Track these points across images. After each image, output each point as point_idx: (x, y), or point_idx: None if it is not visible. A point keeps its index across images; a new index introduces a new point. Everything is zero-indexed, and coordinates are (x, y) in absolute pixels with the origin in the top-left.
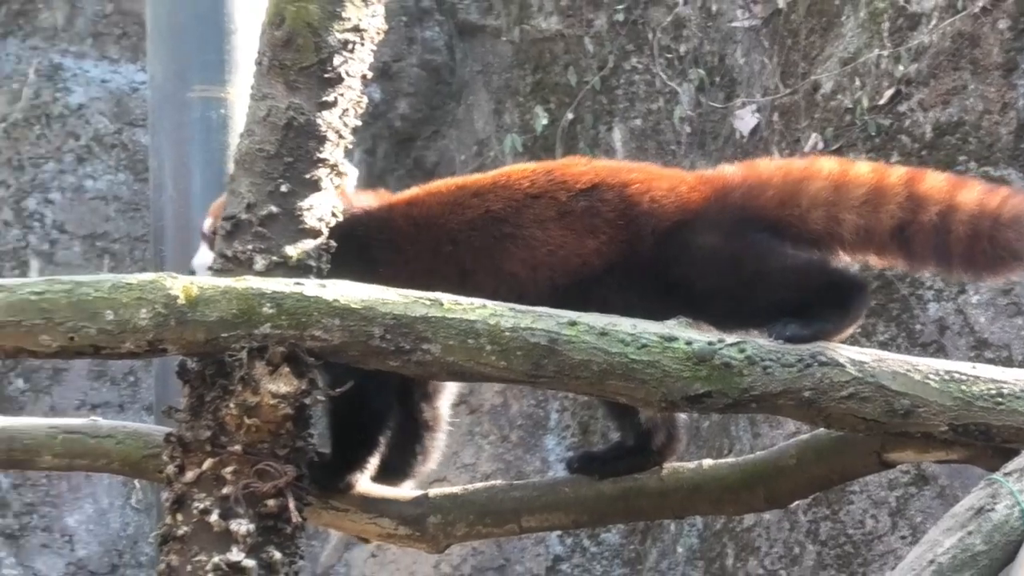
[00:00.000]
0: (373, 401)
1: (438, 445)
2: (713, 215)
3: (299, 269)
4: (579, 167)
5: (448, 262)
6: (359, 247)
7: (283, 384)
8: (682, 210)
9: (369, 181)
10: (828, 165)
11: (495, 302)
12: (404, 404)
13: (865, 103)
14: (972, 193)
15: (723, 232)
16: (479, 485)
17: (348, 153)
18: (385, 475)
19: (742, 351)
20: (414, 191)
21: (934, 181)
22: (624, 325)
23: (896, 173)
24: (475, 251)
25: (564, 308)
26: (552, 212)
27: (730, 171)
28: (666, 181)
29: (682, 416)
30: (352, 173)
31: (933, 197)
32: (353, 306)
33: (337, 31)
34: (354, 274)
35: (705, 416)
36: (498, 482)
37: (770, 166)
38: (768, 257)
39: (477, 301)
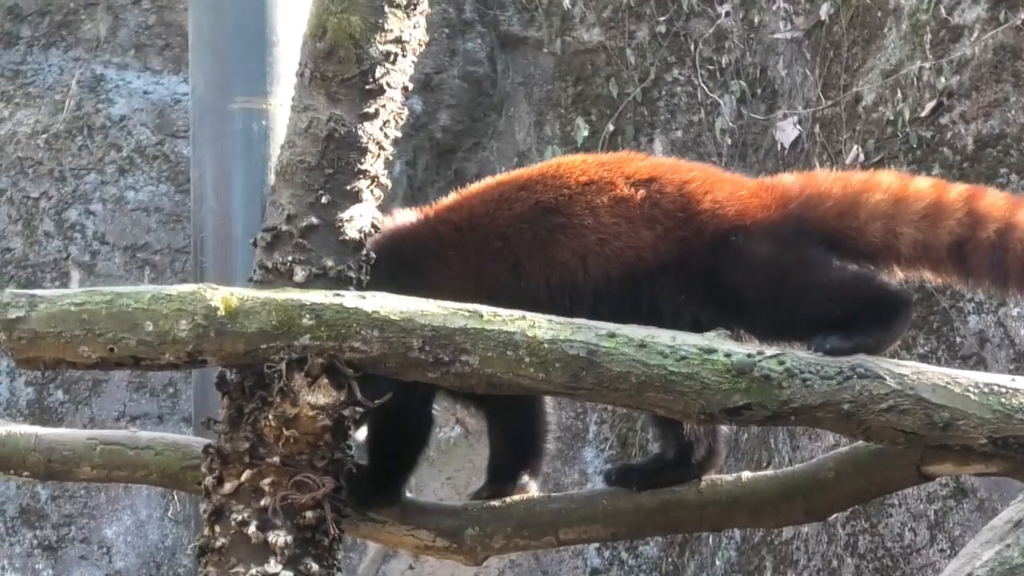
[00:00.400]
0: (413, 415)
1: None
2: (771, 224)
3: (339, 280)
4: (637, 160)
5: (497, 259)
6: (404, 263)
7: (322, 396)
8: (741, 215)
9: (410, 193)
10: (888, 179)
11: (534, 313)
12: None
13: (907, 115)
14: None
15: (779, 241)
16: (517, 497)
17: (389, 165)
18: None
19: (781, 363)
20: (452, 197)
21: (994, 199)
22: (663, 337)
23: (956, 189)
24: (526, 244)
25: (616, 308)
26: (606, 199)
27: (789, 181)
28: (727, 184)
29: (724, 430)
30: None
31: (992, 215)
32: (392, 318)
33: (379, 43)
34: (403, 291)
35: (744, 428)
36: (536, 494)
37: (829, 177)
38: (817, 269)
39: (516, 313)
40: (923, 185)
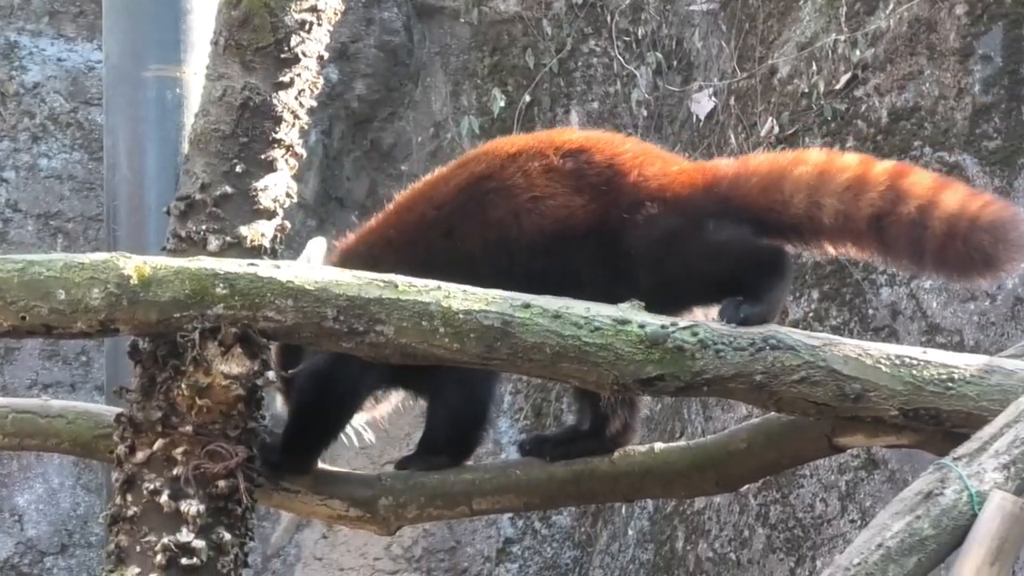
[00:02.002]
0: (349, 393)
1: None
2: (689, 199)
3: (253, 250)
4: (569, 133)
5: (433, 226)
6: (360, 257)
7: (235, 365)
8: (662, 189)
9: (325, 162)
10: (815, 154)
11: (450, 284)
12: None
13: (821, 88)
14: (955, 195)
15: (690, 216)
16: None
17: (304, 134)
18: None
19: (695, 334)
20: (397, 196)
21: (920, 178)
22: (578, 308)
23: (882, 165)
24: (460, 209)
25: (551, 267)
26: (536, 164)
27: (725, 164)
28: (660, 162)
29: (642, 409)
30: (319, 249)
31: (915, 192)
32: (307, 287)
33: (294, 11)
34: None
35: (657, 399)
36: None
37: (760, 157)
38: (709, 237)
39: (432, 283)
40: (850, 160)
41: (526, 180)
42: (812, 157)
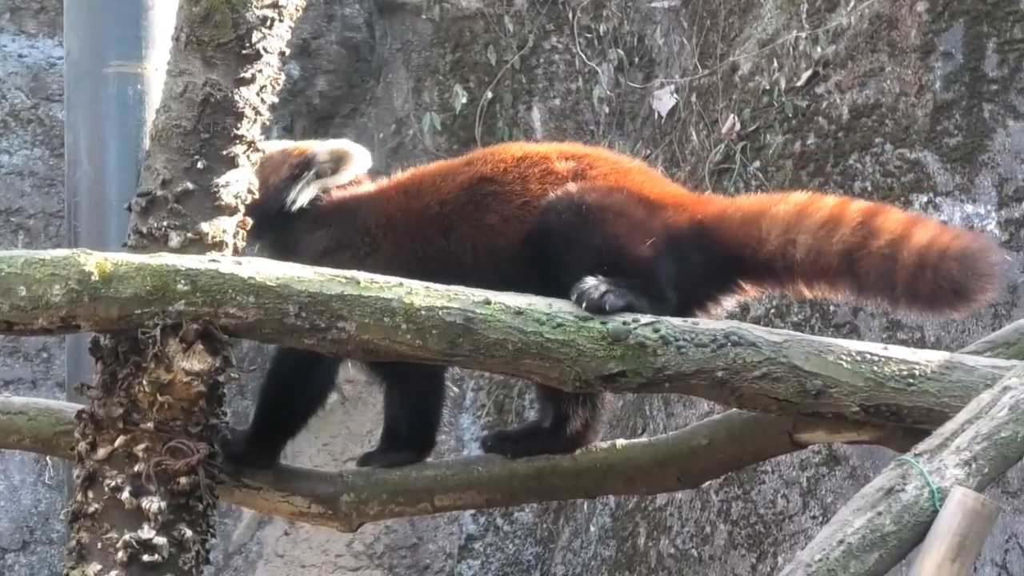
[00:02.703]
0: (314, 380)
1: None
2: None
3: (215, 246)
4: (577, 146)
5: (433, 223)
6: (356, 226)
7: (197, 362)
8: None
9: None
10: (799, 196)
11: (412, 281)
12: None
13: (783, 84)
14: (927, 230)
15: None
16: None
17: (265, 130)
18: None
19: (656, 331)
20: (409, 171)
21: (893, 215)
22: (540, 305)
23: (858, 205)
24: (461, 208)
25: (530, 267)
26: (537, 170)
27: (718, 199)
28: (659, 185)
29: (606, 411)
30: (363, 156)
31: (887, 227)
32: (268, 284)
33: (256, 7)
34: (355, 257)
35: (619, 396)
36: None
37: (750, 197)
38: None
39: (393, 280)
40: (828, 200)
41: (523, 186)
42: (793, 197)
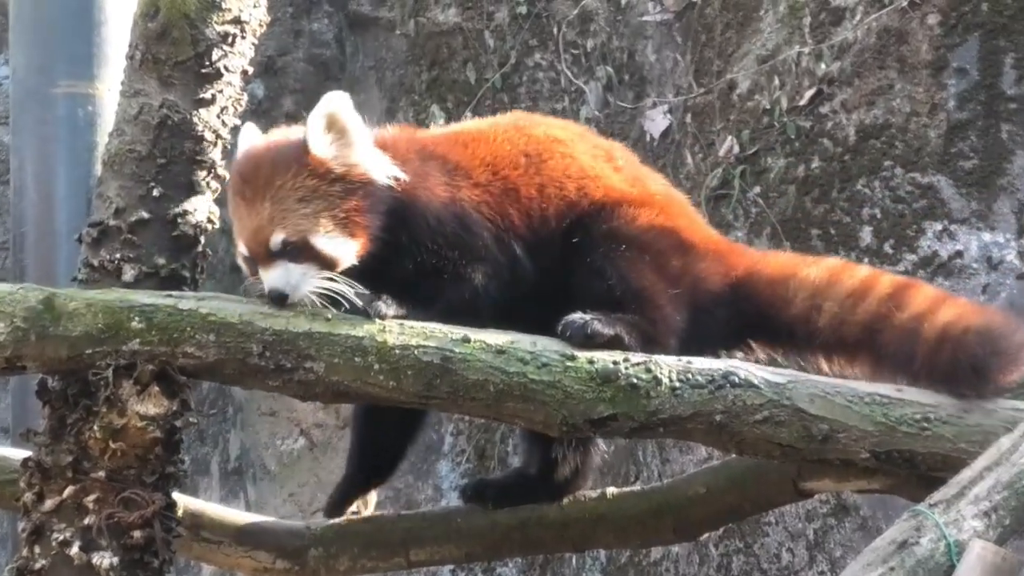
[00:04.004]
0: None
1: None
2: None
3: (172, 280)
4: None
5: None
6: (441, 163)
7: (152, 405)
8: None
9: None
10: (832, 261)
11: (390, 319)
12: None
13: (784, 104)
14: (955, 307)
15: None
16: (366, 513)
17: (227, 155)
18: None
19: (648, 371)
20: (451, 127)
21: (925, 291)
22: (523, 343)
23: (891, 277)
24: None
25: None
26: (589, 144)
27: (749, 250)
28: (698, 229)
29: (596, 457)
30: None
31: (915, 302)
32: (230, 321)
33: (216, 23)
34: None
35: (610, 441)
36: (385, 512)
37: (783, 255)
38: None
39: (363, 320)
40: (862, 269)
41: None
42: (827, 262)
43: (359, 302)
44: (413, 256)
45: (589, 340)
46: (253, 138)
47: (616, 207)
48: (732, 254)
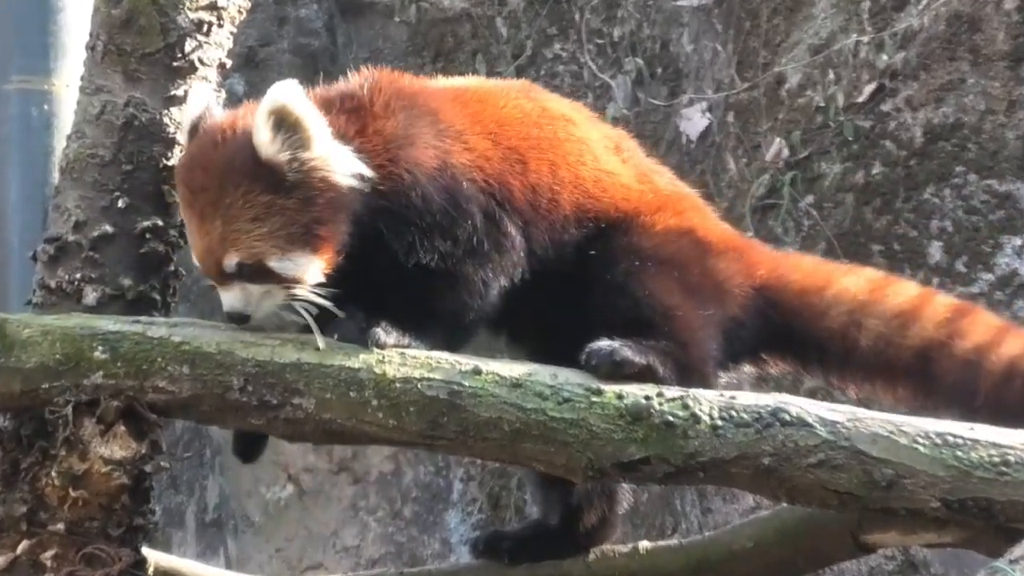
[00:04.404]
0: None
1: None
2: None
3: (140, 303)
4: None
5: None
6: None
7: (118, 447)
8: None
9: None
10: (871, 272)
11: (388, 348)
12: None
13: (840, 100)
14: (1021, 339)
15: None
16: (364, 574)
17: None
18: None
19: (686, 407)
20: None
21: (985, 318)
22: (542, 375)
23: (945, 299)
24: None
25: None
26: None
27: (767, 250)
28: (719, 230)
29: (624, 500)
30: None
31: (976, 330)
32: (206, 350)
33: (189, 9)
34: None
35: (642, 488)
36: (387, 570)
37: (806, 257)
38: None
39: (359, 348)
40: (910, 286)
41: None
42: (867, 273)
43: (340, 312)
44: (394, 256)
45: (617, 369)
46: (201, 112)
47: (634, 216)
48: (751, 251)
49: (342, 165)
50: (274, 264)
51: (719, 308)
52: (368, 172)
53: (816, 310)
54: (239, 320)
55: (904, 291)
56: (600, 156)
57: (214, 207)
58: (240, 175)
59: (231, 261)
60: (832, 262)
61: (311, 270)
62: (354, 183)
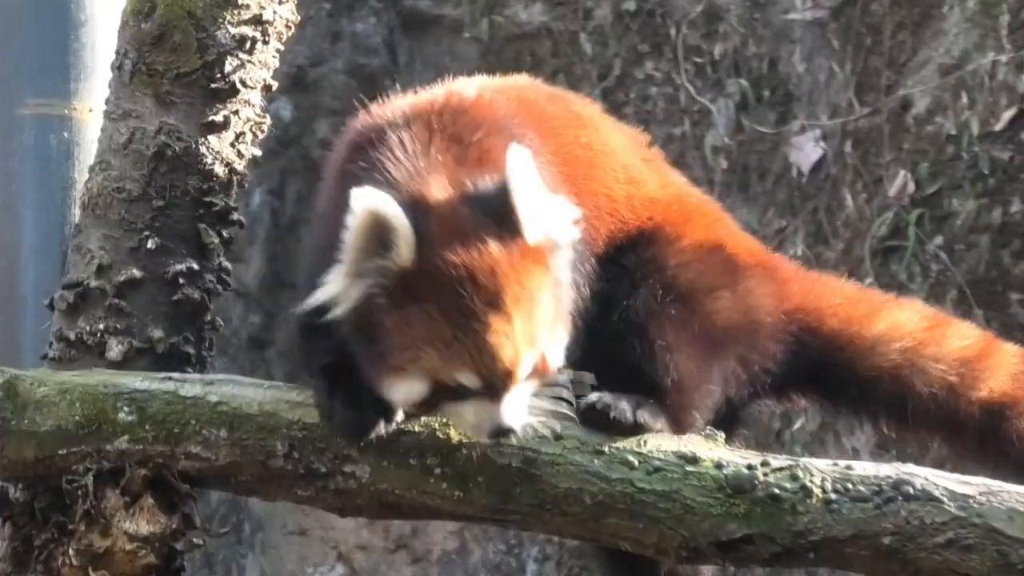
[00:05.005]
0: None
1: None
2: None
3: (171, 358)
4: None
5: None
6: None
7: (145, 522)
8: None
9: (275, 233)
10: (925, 308)
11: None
12: None
13: (975, 128)
14: None
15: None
16: None
17: (244, 194)
18: None
19: (795, 478)
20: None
21: None
22: (628, 442)
23: (1015, 348)
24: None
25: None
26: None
27: (801, 270)
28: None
29: None
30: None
31: None
32: (247, 411)
33: (230, 23)
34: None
35: (744, 570)
36: None
37: (851, 286)
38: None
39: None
40: (970, 329)
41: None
42: (920, 308)
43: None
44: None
45: (611, 427)
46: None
47: (658, 228)
48: (781, 269)
49: (563, 218)
50: (547, 352)
51: (746, 345)
52: (576, 211)
53: (861, 347)
54: (504, 435)
55: (969, 334)
56: (630, 164)
57: (503, 297)
58: (511, 252)
59: (528, 362)
60: (874, 291)
61: (560, 352)
62: (576, 233)
